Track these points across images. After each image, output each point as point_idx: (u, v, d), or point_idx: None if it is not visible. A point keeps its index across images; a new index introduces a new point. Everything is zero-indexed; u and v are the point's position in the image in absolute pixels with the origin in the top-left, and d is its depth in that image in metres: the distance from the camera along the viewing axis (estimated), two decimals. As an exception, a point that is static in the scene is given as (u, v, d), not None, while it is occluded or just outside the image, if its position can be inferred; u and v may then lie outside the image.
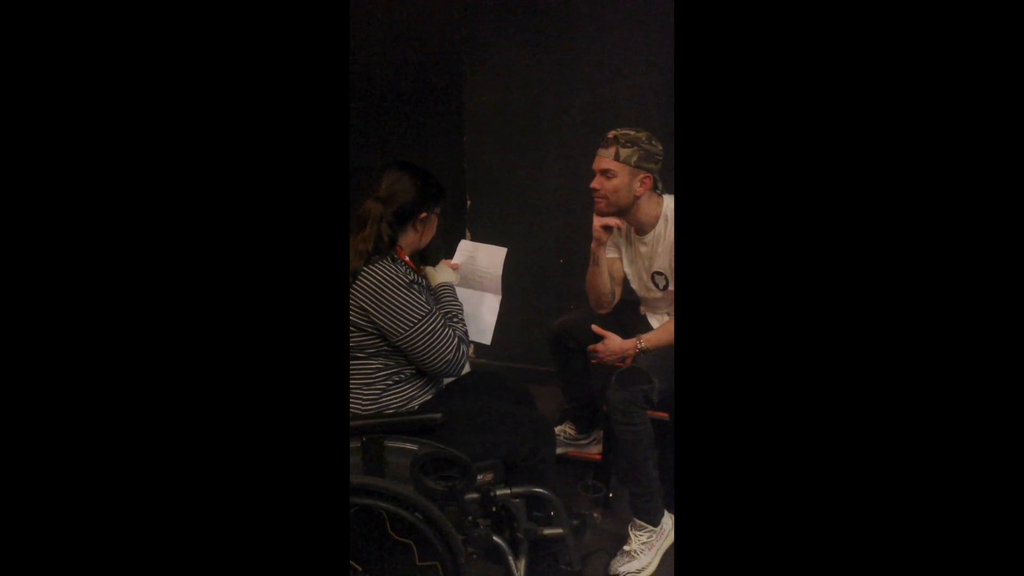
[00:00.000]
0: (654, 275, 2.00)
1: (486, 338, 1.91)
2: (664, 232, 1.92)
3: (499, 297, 1.93)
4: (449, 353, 1.54)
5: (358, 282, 1.49)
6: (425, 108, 2.93)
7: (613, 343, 1.89)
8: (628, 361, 1.88)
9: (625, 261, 2.09)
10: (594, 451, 2.29)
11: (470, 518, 1.45)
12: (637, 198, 1.87)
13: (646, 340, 1.89)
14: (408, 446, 1.45)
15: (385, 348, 1.54)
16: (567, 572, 1.60)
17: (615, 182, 1.84)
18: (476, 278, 1.93)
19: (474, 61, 2.79)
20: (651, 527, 1.85)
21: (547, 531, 1.53)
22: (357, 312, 1.50)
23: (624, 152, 1.82)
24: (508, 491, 1.52)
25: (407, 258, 1.63)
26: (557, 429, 2.32)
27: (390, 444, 1.44)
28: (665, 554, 1.88)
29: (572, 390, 2.28)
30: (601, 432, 2.23)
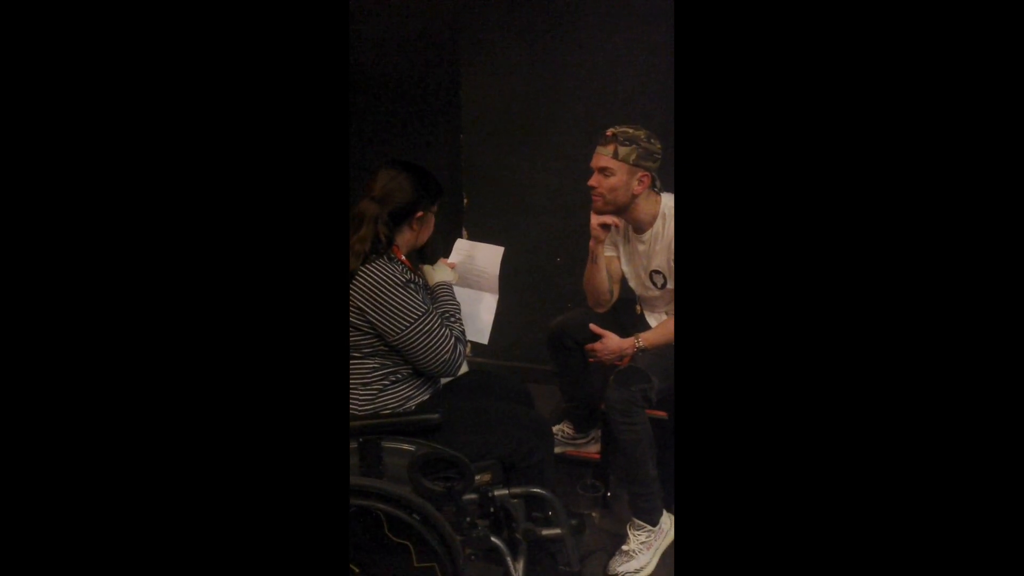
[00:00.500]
0: (652, 273, 1.99)
1: (483, 337, 1.90)
2: (662, 230, 1.91)
3: (496, 296, 1.93)
4: (446, 353, 1.54)
5: (355, 282, 1.48)
6: (422, 106, 2.92)
7: (611, 342, 1.89)
8: (626, 360, 1.88)
9: (623, 259, 2.09)
10: (592, 450, 2.29)
11: (468, 519, 1.44)
12: (635, 196, 1.87)
13: (644, 339, 1.88)
14: (405, 447, 1.44)
15: (382, 348, 1.54)
16: (566, 572, 1.59)
17: (613, 180, 1.84)
18: (473, 277, 1.93)
19: (471, 59, 2.78)
20: (650, 527, 1.84)
21: (545, 532, 1.52)
22: (354, 312, 1.50)
23: (623, 150, 1.81)
24: (506, 491, 1.51)
25: (403, 257, 1.62)
26: (555, 428, 2.31)
27: (387, 445, 1.44)
28: (664, 554, 1.87)
29: (570, 389, 2.28)
30: (599, 431, 2.23)
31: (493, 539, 1.45)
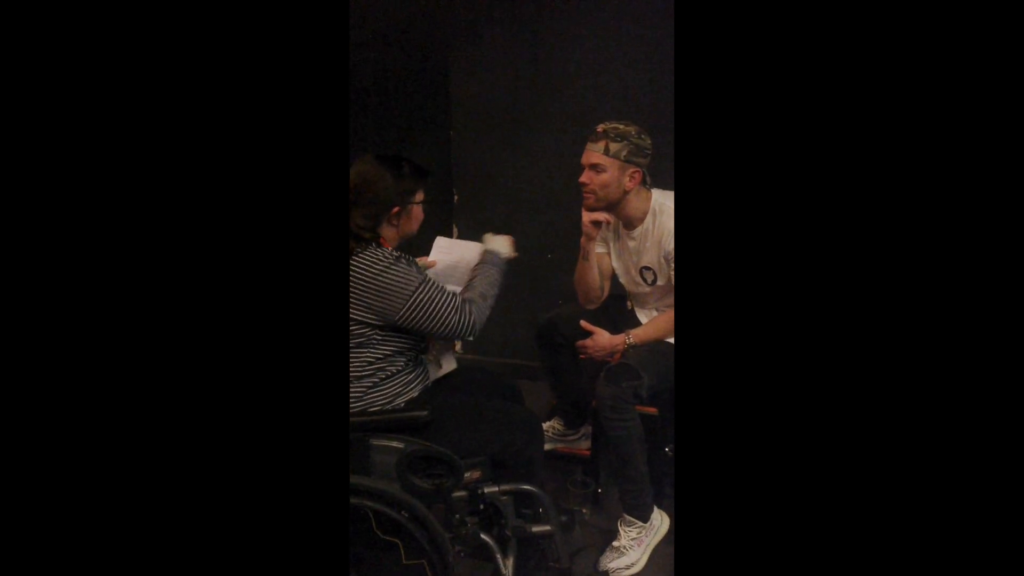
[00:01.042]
0: (642, 270, 1.99)
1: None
2: (652, 227, 1.91)
3: None
4: (452, 315, 1.51)
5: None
6: (412, 102, 2.91)
7: (602, 339, 1.88)
8: (617, 357, 1.87)
9: (613, 256, 2.08)
10: (583, 446, 2.29)
11: (457, 516, 1.44)
12: (626, 192, 1.86)
13: (635, 335, 1.88)
14: (394, 444, 1.43)
15: (375, 337, 1.52)
16: (556, 569, 1.59)
17: (604, 177, 1.83)
18: (456, 274, 1.92)
19: (461, 55, 2.77)
20: (641, 523, 1.84)
21: (535, 528, 1.52)
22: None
23: (614, 146, 1.81)
24: (496, 488, 1.51)
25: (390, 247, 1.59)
26: (546, 425, 2.31)
27: (376, 442, 1.43)
28: (654, 550, 1.87)
29: (561, 386, 2.28)
30: (590, 427, 2.23)
31: (482, 536, 1.45)
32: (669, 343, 1.91)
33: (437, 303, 1.50)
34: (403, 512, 1.34)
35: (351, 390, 1.54)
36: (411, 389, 1.61)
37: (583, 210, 1.91)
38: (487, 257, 1.73)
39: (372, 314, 1.49)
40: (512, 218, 2.83)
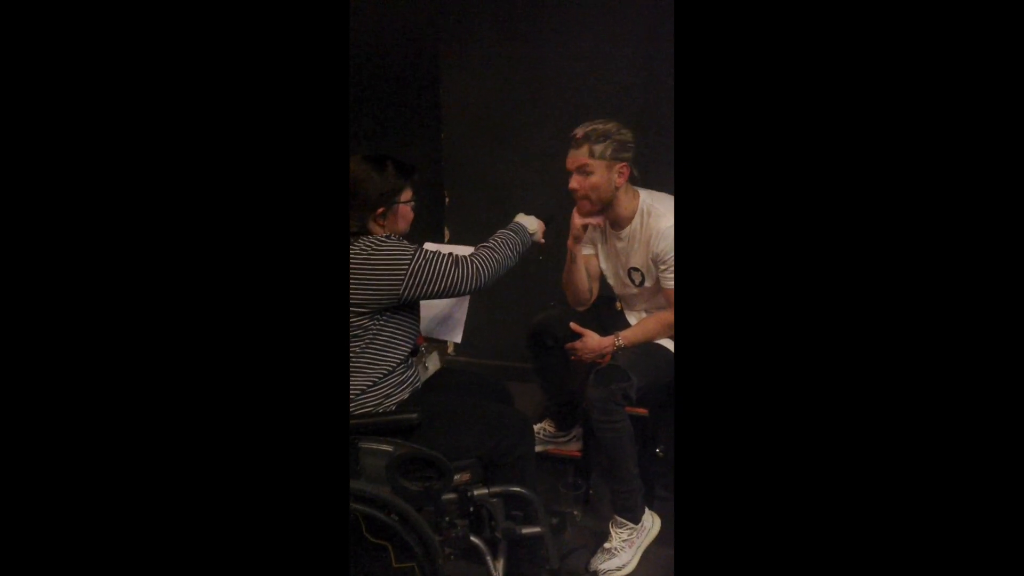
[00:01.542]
0: (630, 271, 1.99)
1: (457, 336, 1.90)
2: (640, 228, 1.91)
3: (467, 296, 1.91)
4: (452, 269, 1.51)
5: None
6: (403, 103, 2.90)
7: (591, 340, 1.89)
8: (607, 358, 1.87)
9: (601, 257, 2.08)
10: (574, 448, 2.29)
11: (447, 519, 1.44)
12: (617, 189, 1.86)
13: (624, 337, 1.88)
14: (384, 447, 1.43)
15: (368, 335, 1.51)
16: (546, 571, 1.59)
17: (594, 179, 1.83)
18: None
19: (451, 56, 2.76)
20: (632, 524, 1.84)
21: (525, 530, 1.52)
22: None
23: (598, 148, 1.81)
24: (486, 491, 1.50)
25: None
26: (537, 426, 2.31)
27: (365, 445, 1.42)
28: (646, 551, 1.87)
29: (551, 387, 2.27)
30: (581, 429, 2.23)
31: (473, 538, 1.45)
32: (658, 344, 1.92)
33: (435, 263, 1.51)
34: (393, 515, 1.34)
35: (341, 393, 1.54)
36: (401, 392, 1.61)
37: (574, 212, 1.91)
38: (511, 225, 1.75)
39: (376, 298, 1.48)
40: (503, 219, 2.82)
